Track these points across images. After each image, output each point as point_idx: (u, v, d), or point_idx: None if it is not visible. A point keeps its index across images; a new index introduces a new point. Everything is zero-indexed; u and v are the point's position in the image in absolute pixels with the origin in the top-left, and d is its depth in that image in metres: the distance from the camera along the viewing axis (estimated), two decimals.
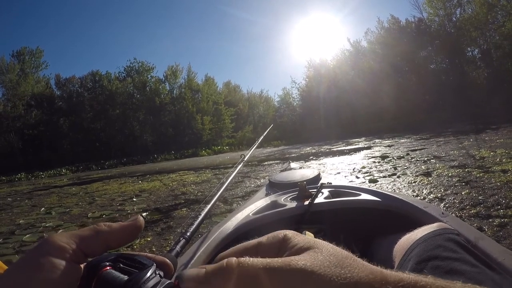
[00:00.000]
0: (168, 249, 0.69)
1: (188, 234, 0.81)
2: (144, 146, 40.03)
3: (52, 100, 42.36)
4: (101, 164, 29.99)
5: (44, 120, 39.62)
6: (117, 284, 0.31)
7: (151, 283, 0.31)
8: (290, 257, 0.29)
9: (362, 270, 0.28)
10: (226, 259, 0.29)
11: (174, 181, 8.88)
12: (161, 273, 0.34)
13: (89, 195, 8.04)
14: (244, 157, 1.97)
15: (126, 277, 0.31)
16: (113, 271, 0.33)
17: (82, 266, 0.33)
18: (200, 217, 0.95)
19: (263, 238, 0.34)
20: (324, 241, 0.32)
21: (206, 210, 1.02)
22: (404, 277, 0.27)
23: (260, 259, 0.28)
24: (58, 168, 29.15)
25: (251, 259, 0.28)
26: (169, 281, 0.32)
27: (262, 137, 2.68)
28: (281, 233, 0.34)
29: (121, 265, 0.34)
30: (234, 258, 0.28)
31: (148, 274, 0.32)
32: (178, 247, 0.71)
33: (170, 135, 41.79)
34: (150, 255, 0.38)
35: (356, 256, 0.30)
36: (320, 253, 0.29)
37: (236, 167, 1.73)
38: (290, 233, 0.33)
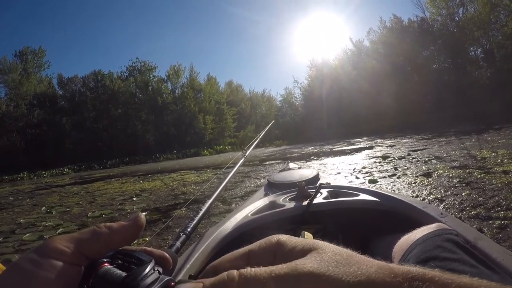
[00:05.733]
0: (167, 246, 0.68)
1: (188, 229, 0.81)
2: (146, 145, 40.07)
3: (55, 100, 42.49)
4: (103, 164, 30.00)
5: (46, 120, 39.72)
6: (115, 281, 0.30)
7: (150, 279, 0.30)
8: (295, 262, 0.27)
9: (370, 266, 0.27)
10: (226, 272, 0.26)
11: (175, 180, 8.88)
12: (160, 270, 0.33)
13: (90, 194, 8.05)
14: (246, 152, 1.96)
15: (124, 274, 0.31)
16: (111, 267, 0.32)
17: (83, 268, 0.32)
18: (201, 213, 0.94)
19: (254, 245, 0.32)
20: (323, 241, 0.30)
21: (207, 205, 1.00)
22: (411, 269, 0.26)
23: (263, 268, 0.26)
24: (60, 167, 29.16)
25: (254, 269, 0.26)
26: (168, 277, 0.32)
27: (263, 132, 2.67)
28: (273, 237, 0.31)
29: (120, 261, 0.34)
30: (235, 270, 0.26)
31: (147, 270, 0.31)
32: (178, 243, 0.70)
33: (172, 134, 41.84)
34: (149, 249, 0.37)
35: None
36: (324, 253, 0.27)
37: (237, 162, 1.72)
38: (283, 236, 0.31)
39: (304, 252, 0.28)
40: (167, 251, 0.39)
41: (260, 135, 2.51)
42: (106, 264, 0.33)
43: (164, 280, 0.31)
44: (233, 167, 1.68)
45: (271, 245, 0.31)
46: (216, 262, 0.33)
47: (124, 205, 5.79)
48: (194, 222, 0.86)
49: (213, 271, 0.31)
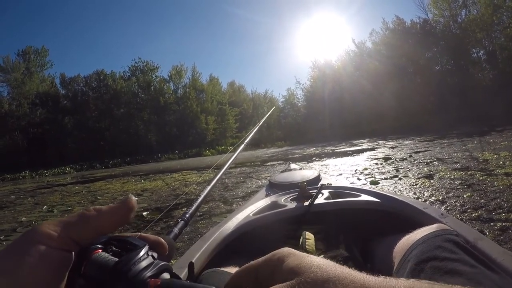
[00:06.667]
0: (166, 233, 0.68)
1: (187, 216, 0.81)
2: (148, 145, 40.08)
3: (57, 99, 42.56)
4: (105, 163, 30.13)
5: (49, 119, 39.77)
6: (107, 267, 0.30)
7: (143, 264, 0.30)
8: None
9: None
10: None
11: (177, 180, 8.89)
12: (155, 254, 0.33)
13: (92, 193, 8.08)
14: (246, 138, 1.97)
15: (116, 259, 0.31)
16: (104, 253, 0.32)
17: (73, 253, 0.32)
18: (200, 199, 0.94)
19: (262, 260, 0.35)
20: (315, 261, 0.31)
21: (206, 191, 1.01)
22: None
23: None
24: (62, 166, 29.28)
25: None
26: (163, 262, 0.32)
27: (265, 117, 2.68)
28: (276, 254, 0.34)
29: (113, 247, 0.33)
30: None
31: (140, 255, 0.31)
32: (176, 229, 0.71)
33: (174, 134, 41.84)
34: (144, 234, 0.37)
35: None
36: (298, 282, 0.29)
37: (237, 149, 1.72)
38: (285, 252, 0.34)
39: (291, 274, 0.30)
40: (164, 237, 0.39)
41: (263, 119, 2.53)
42: (99, 250, 0.32)
43: (160, 264, 0.31)
44: (232, 154, 1.68)
45: (272, 262, 0.34)
46: (236, 273, 0.37)
47: None
48: (193, 208, 0.86)
49: (233, 283, 0.37)
